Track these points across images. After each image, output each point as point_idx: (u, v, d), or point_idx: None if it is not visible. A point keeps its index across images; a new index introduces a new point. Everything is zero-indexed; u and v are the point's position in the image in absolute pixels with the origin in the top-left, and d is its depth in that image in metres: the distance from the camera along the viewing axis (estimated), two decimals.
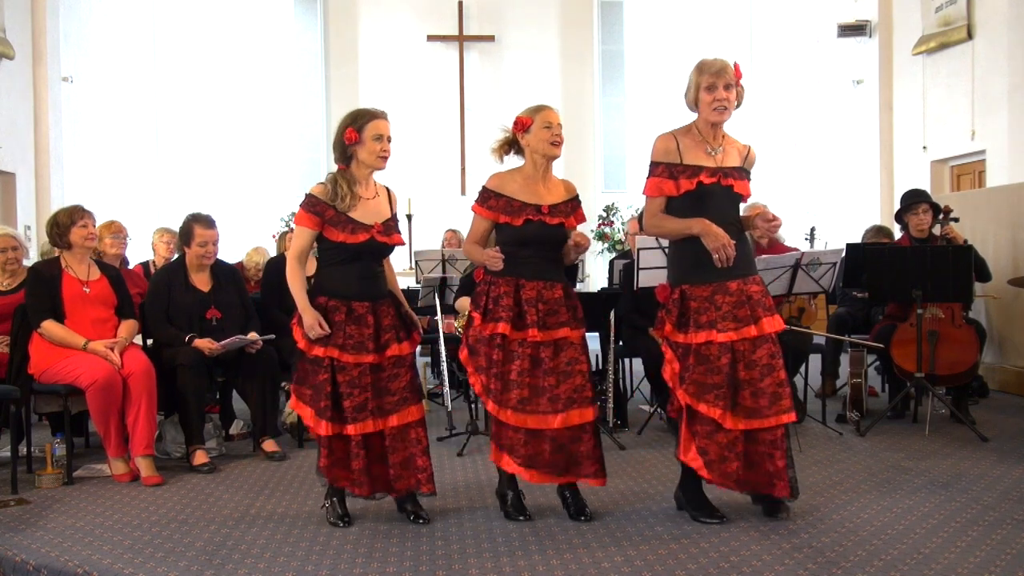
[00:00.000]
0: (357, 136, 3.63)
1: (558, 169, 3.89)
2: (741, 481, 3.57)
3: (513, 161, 3.86)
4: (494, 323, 3.63)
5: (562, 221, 3.72)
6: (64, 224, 4.65)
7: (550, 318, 3.65)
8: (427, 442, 3.74)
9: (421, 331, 3.90)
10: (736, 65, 3.57)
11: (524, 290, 3.65)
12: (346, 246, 3.62)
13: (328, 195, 3.63)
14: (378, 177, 3.83)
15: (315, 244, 3.72)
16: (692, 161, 3.56)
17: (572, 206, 3.80)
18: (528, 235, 3.69)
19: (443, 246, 8.15)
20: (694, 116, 3.66)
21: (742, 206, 3.76)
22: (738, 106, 3.60)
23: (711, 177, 3.54)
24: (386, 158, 3.69)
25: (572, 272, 4.01)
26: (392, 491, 3.72)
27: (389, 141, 3.69)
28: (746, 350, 3.52)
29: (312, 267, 4.10)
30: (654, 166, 3.61)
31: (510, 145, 3.82)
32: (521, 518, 3.68)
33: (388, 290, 3.79)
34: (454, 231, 8.45)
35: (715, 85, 3.52)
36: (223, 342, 4.78)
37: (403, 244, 3.87)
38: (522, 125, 3.74)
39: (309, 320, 3.57)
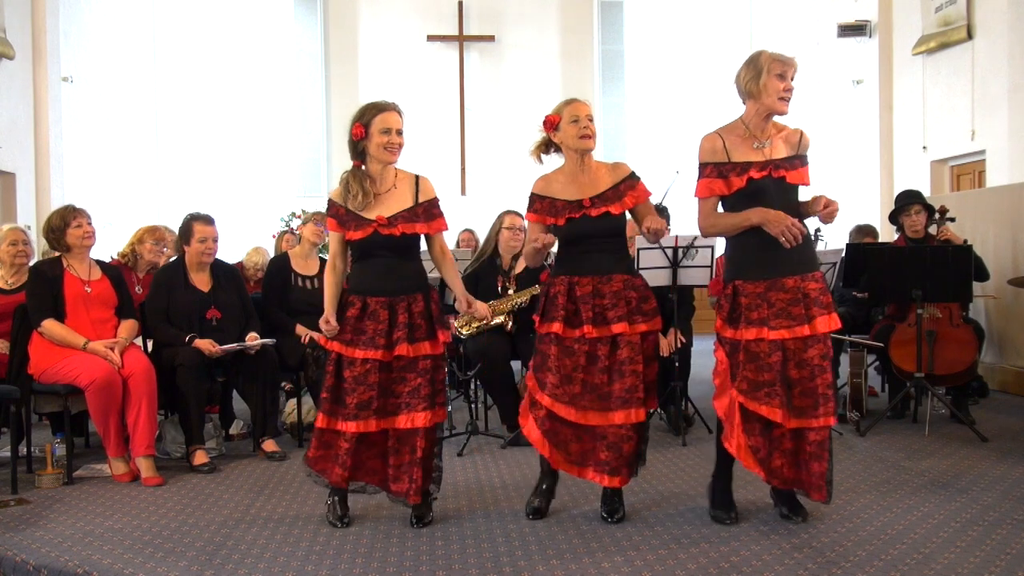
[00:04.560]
0: (364, 131, 3.61)
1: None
2: (786, 479, 3.52)
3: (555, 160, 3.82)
4: (549, 323, 3.63)
5: (607, 210, 3.62)
6: (58, 227, 4.63)
7: (609, 312, 3.58)
8: (423, 454, 3.58)
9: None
10: None
11: (578, 287, 3.62)
12: (354, 243, 3.64)
13: (341, 196, 3.66)
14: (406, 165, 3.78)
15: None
16: (740, 158, 3.47)
17: (623, 189, 3.66)
18: (575, 232, 3.66)
19: (457, 247, 8.00)
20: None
21: (802, 197, 3.60)
22: None
23: (761, 171, 3.44)
24: (395, 150, 3.64)
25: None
26: (388, 490, 3.69)
27: (399, 134, 3.63)
28: (798, 348, 3.43)
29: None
30: (703, 167, 3.52)
31: (547, 145, 3.80)
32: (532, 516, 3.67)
33: (420, 284, 3.69)
34: (470, 231, 8.34)
35: (786, 75, 3.42)
36: (223, 347, 4.78)
37: (420, 233, 3.67)
38: (551, 124, 3.73)
39: (324, 315, 3.65)
